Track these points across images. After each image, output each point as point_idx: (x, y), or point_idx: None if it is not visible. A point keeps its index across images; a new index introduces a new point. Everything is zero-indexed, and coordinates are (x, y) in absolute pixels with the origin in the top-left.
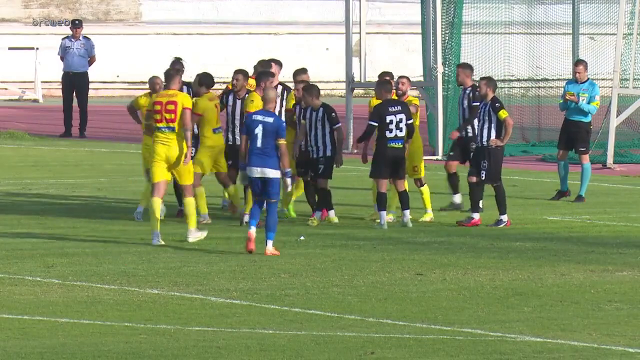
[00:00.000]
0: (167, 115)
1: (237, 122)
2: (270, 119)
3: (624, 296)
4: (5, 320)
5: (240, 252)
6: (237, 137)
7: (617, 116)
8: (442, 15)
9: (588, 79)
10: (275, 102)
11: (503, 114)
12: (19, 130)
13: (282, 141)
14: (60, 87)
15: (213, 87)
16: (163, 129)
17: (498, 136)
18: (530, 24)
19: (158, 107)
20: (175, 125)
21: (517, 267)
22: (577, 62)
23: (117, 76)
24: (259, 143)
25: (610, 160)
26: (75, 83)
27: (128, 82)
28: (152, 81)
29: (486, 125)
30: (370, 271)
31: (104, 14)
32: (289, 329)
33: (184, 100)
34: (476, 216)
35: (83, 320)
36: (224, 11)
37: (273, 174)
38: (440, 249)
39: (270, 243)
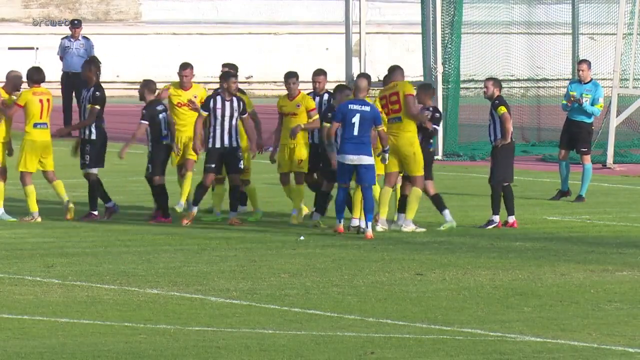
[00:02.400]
0: (392, 107)
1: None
2: (367, 108)
3: (624, 296)
4: (5, 320)
5: (240, 252)
6: None
7: (617, 116)
8: (442, 15)
9: (592, 79)
10: (367, 91)
11: (501, 110)
12: (18, 130)
13: (381, 127)
14: (60, 87)
15: (43, 82)
16: (390, 121)
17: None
18: (530, 24)
19: (384, 102)
20: (401, 115)
21: (517, 267)
22: (581, 61)
23: (117, 76)
24: (355, 131)
25: (610, 160)
26: (74, 83)
27: (128, 82)
28: (13, 76)
29: (492, 126)
30: (370, 271)
31: (103, 14)
32: (289, 329)
33: (405, 87)
34: (510, 219)
35: (83, 320)
36: (224, 11)
37: (368, 160)
38: (440, 249)
39: (370, 225)
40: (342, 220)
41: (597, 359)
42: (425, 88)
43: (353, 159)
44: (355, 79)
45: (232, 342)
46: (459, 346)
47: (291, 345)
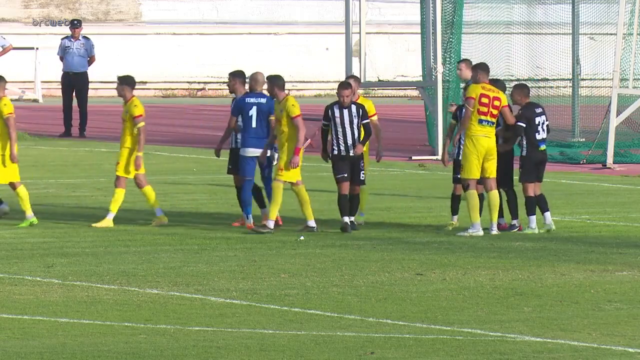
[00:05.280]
0: (493, 111)
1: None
2: (264, 100)
3: (624, 296)
4: (5, 320)
5: (240, 252)
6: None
7: (617, 116)
8: (442, 15)
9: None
10: (263, 85)
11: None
12: (18, 130)
13: (273, 117)
14: (60, 87)
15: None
16: (485, 122)
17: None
18: (531, 24)
19: (485, 100)
20: (494, 119)
21: (517, 267)
22: (459, 61)
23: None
24: (253, 124)
25: (610, 160)
26: (75, 83)
27: None
28: None
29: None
30: (370, 271)
31: (103, 14)
32: (289, 329)
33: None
34: (502, 221)
35: (83, 320)
36: (224, 11)
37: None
38: (440, 249)
39: (251, 217)
40: (249, 216)
41: (597, 359)
42: (522, 88)
43: (254, 152)
44: (253, 74)
45: (232, 342)
46: (459, 346)
47: (291, 345)
